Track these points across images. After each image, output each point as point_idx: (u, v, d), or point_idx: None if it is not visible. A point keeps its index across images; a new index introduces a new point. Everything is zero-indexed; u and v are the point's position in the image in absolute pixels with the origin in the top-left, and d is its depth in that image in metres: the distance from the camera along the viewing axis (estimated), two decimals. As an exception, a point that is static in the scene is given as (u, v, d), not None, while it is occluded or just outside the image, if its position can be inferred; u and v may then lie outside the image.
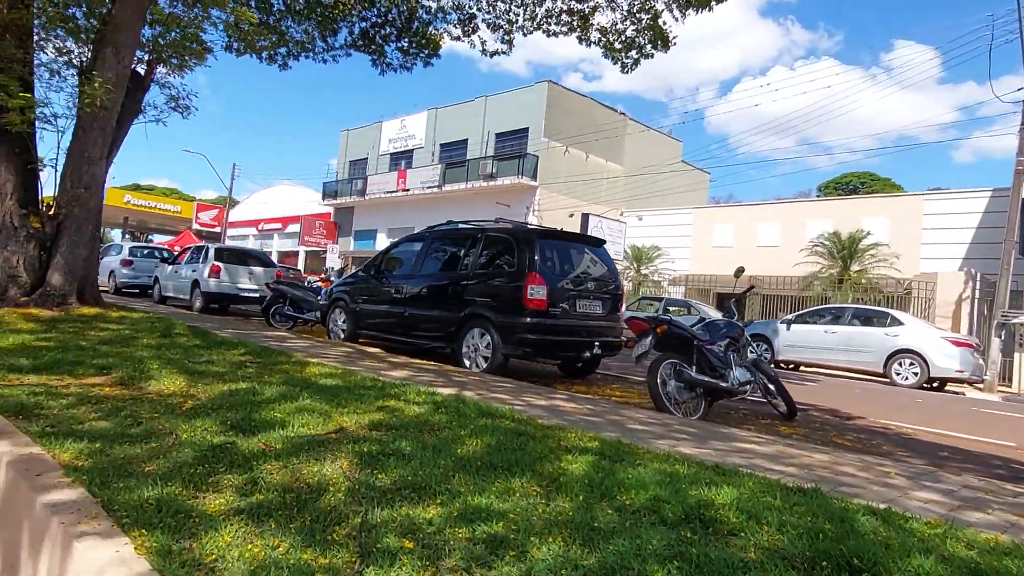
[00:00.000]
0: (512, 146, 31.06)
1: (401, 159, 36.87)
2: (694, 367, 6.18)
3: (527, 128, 30.61)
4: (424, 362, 7.68)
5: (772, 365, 11.09)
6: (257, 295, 14.53)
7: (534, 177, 29.25)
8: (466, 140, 33.23)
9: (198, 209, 49.29)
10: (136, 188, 57.42)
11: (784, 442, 4.76)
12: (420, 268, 8.80)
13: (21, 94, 7.54)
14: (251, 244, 46.69)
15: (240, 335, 8.00)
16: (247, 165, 77.14)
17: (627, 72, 14.72)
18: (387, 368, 6.54)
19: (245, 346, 6.70)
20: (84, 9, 9.04)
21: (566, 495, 2.80)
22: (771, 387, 6.80)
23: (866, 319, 15.04)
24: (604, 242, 8.73)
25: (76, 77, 8.69)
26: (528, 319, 7.45)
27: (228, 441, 3.30)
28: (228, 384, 4.64)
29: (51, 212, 8.07)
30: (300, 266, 38.36)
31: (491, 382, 6.44)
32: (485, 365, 7.67)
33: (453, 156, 33.42)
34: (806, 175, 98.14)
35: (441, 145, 34.65)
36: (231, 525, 2.40)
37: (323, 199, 39.30)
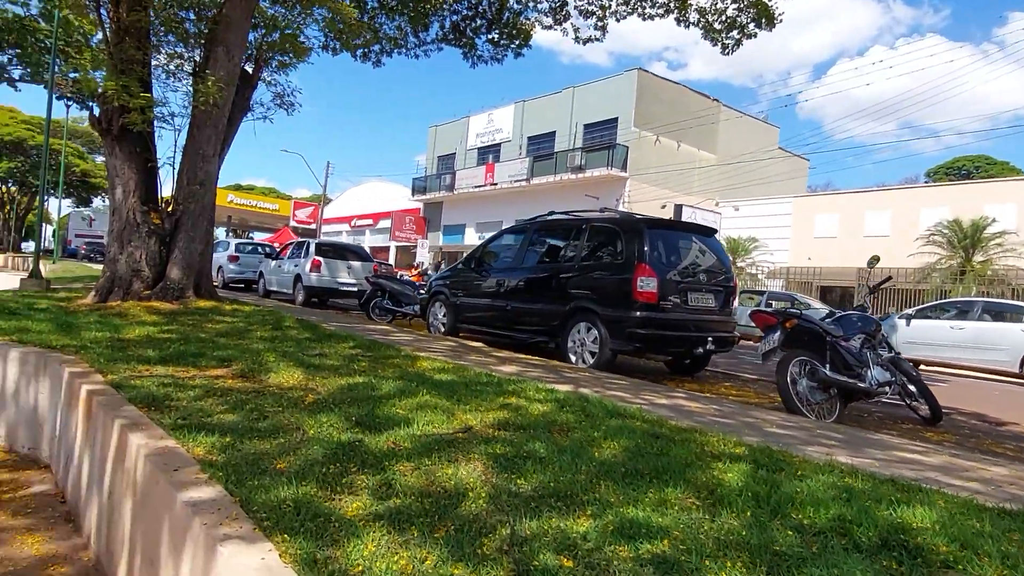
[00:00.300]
0: (601, 137, 30.49)
1: (489, 153, 36.97)
2: (827, 365, 5.67)
3: (616, 118, 29.96)
4: (529, 357, 7.47)
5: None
6: (355, 289, 14.79)
7: (624, 168, 28.60)
8: (554, 132, 32.91)
9: (295, 207, 51.31)
10: (237, 188, 60.47)
11: (947, 451, 4.23)
12: (522, 261, 8.60)
13: (141, 94, 7.85)
14: (345, 240, 48.23)
15: (345, 328, 8.05)
16: (339, 163, 79.88)
17: (728, 53, 14.02)
18: (495, 363, 6.36)
19: (353, 339, 6.69)
20: (193, 15, 9.37)
21: (731, 510, 2.49)
22: (912, 388, 6.16)
23: (998, 314, 13.72)
24: (716, 231, 8.24)
25: (190, 77, 8.99)
26: (638, 313, 7.10)
27: (356, 439, 3.17)
28: (345, 378, 4.57)
29: (169, 209, 8.39)
30: (391, 261, 39.22)
31: (603, 379, 6.15)
32: (592, 360, 7.38)
33: (541, 149, 33.18)
34: (910, 161, 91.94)
35: (529, 138, 34.47)
36: (373, 532, 2.23)
37: (412, 195, 39.97)
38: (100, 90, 8.16)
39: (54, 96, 40.22)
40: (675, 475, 2.84)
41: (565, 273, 7.95)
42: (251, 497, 2.45)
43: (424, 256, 33.82)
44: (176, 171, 8.55)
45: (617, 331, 7.19)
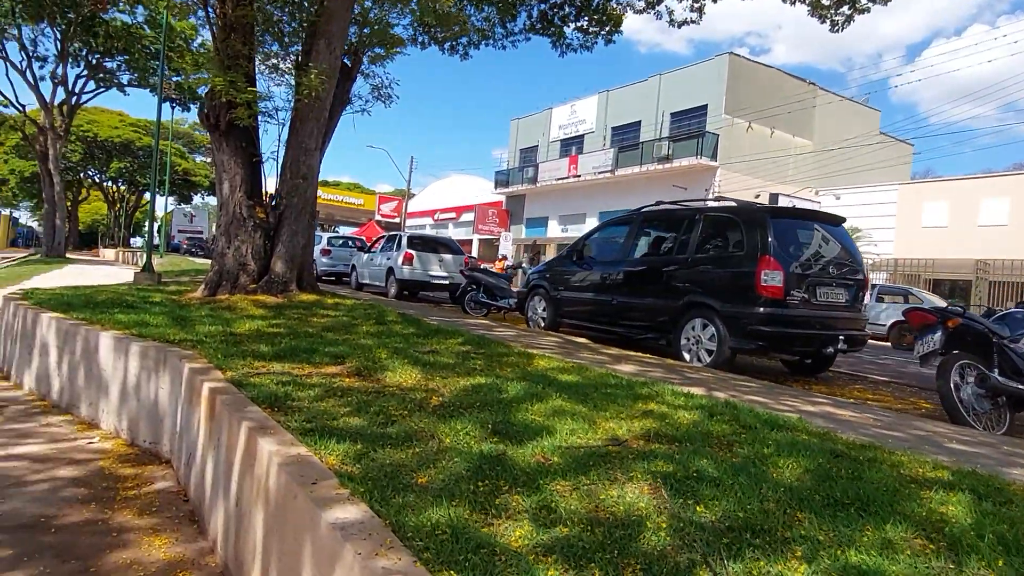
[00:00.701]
0: (689, 126, 29.43)
1: (571, 145, 36.45)
2: (995, 370, 4.99)
3: (705, 105, 28.84)
4: (642, 355, 7.04)
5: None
6: (447, 282, 14.70)
7: (714, 157, 27.49)
8: (639, 122, 32.04)
9: (380, 201, 52.37)
10: (324, 183, 62.35)
11: None
12: (629, 253, 8.16)
13: (248, 89, 7.88)
14: (425, 233, 48.89)
15: (447, 322, 7.86)
16: (421, 158, 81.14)
17: (838, 31, 13.02)
18: (610, 361, 5.98)
19: (460, 334, 6.45)
20: (290, 12, 9.38)
21: (978, 558, 2.02)
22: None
23: None
24: (844, 220, 7.54)
25: (292, 71, 9.01)
26: (761, 309, 6.54)
27: (498, 450, 2.87)
28: (465, 378, 4.30)
29: (273, 203, 8.42)
30: (474, 254, 39.37)
31: (731, 380, 5.66)
32: (708, 359, 6.88)
33: (625, 139, 32.40)
34: (1016, 147, 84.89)
35: (613, 128, 33.73)
36: (548, 570, 1.90)
37: (495, 188, 39.93)
38: (208, 87, 8.26)
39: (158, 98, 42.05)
40: (884, 507, 2.38)
41: (676, 265, 7.46)
42: (401, 520, 2.18)
43: (507, 249, 33.68)
44: (279, 165, 8.58)
45: (738, 329, 6.66)
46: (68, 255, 40.13)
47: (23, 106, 35.71)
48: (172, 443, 4.58)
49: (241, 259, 8.24)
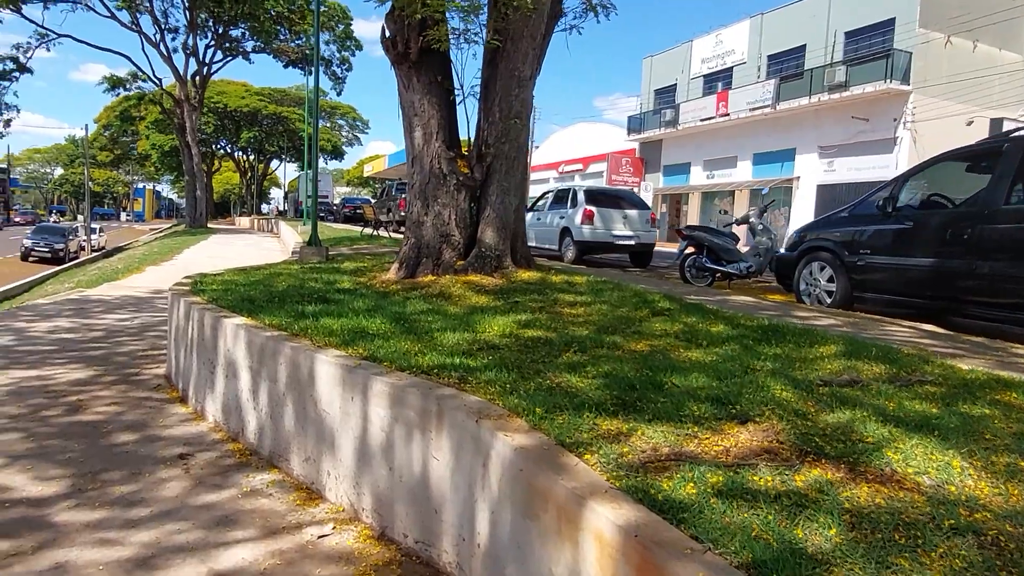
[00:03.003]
0: (869, 45, 25.13)
1: (717, 80, 32.67)
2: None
3: (891, 20, 24.41)
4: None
5: None
6: (632, 242, 12.47)
7: (905, 80, 23.26)
8: (803, 47, 27.88)
9: (500, 156, 50.41)
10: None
11: None
12: (1001, 197, 5.54)
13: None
14: (551, 187, 46.52)
15: (706, 301, 5.67)
16: (542, 107, 77.72)
17: None
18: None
19: (793, 332, 4.22)
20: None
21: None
22: None
23: None
24: None
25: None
26: None
27: None
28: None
29: (478, 153, 6.45)
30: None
31: None
32: None
33: (786, 68, 28.38)
34: None
35: (769, 57, 29.68)
36: None
37: (628, 134, 36.87)
38: (390, 4, 6.33)
39: (280, 64, 41.85)
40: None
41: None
42: None
43: (648, 198, 30.86)
44: (482, 103, 6.56)
45: None
46: (208, 225, 41.16)
47: (159, 79, 36.30)
48: (460, 553, 2.71)
49: (443, 228, 6.36)
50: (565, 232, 12.62)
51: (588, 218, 12.16)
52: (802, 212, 26.04)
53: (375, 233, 20.15)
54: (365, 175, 66.43)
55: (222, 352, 4.48)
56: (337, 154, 64.03)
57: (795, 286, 7.30)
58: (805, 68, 27.00)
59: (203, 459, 4.07)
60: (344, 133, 65.09)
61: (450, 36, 6.46)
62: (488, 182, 6.50)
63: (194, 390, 5.09)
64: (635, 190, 34.43)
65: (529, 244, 14.03)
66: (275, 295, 5.43)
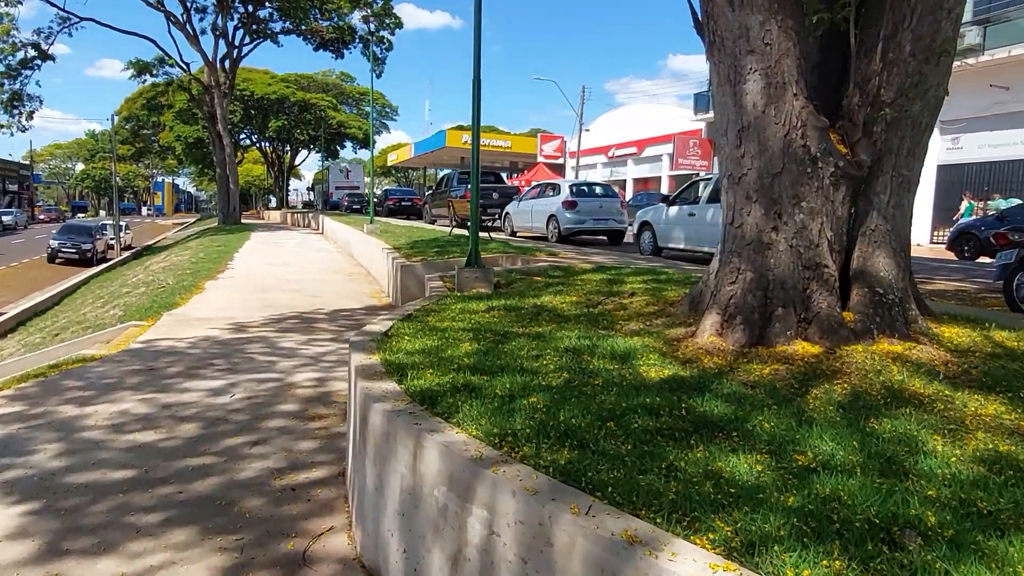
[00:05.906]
0: (1006, 3, 21.84)
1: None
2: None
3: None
4: None
5: None
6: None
7: (1051, 41, 20.04)
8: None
9: (541, 141, 47.29)
10: (459, 128, 56.78)
11: None
12: None
13: None
14: (599, 174, 43.36)
15: None
16: (590, 88, 73.87)
17: None
18: None
19: None
20: None
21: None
22: None
23: None
24: None
25: None
26: None
27: None
28: None
29: (863, 120, 3.64)
30: (663, 192, 33.72)
31: None
32: None
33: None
34: None
35: None
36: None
37: (695, 114, 33.77)
38: None
39: (309, 46, 38.94)
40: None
41: None
42: None
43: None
44: (862, 29, 3.73)
45: None
46: (241, 220, 38.59)
47: (187, 64, 33.70)
48: None
49: (809, 253, 3.57)
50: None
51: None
52: (919, 197, 22.92)
53: (466, 233, 17.51)
54: (389, 163, 63.27)
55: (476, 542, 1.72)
56: (367, 143, 61.32)
57: None
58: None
59: None
60: (373, 121, 62.32)
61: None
62: (877, 170, 3.69)
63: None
64: (701, 174, 31.42)
65: (663, 244, 11.35)
66: (600, 415, 2.63)
